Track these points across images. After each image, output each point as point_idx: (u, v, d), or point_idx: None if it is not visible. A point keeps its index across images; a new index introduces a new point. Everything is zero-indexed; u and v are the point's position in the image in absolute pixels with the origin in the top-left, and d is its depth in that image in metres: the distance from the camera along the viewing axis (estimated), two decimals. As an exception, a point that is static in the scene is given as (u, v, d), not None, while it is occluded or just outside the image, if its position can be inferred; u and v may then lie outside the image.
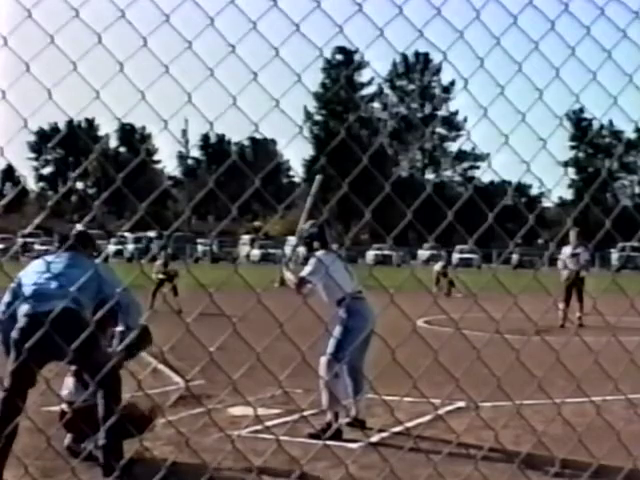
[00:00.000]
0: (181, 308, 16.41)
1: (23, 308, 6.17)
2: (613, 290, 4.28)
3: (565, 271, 17.81)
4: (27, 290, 6.25)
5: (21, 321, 6.13)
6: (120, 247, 58.40)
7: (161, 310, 12.79)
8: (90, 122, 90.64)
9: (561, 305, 17.26)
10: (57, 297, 5.91)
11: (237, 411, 8.47)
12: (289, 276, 8.08)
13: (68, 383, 6.93)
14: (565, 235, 17.75)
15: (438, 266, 28.93)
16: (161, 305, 16.03)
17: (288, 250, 8.04)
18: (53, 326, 3.90)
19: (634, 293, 4.64)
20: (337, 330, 7.80)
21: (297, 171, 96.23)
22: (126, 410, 6.12)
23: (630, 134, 75.73)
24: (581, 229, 17.30)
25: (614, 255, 62.84)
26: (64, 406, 6.80)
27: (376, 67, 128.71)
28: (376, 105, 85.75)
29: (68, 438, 6.82)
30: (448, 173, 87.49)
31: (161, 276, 20.70)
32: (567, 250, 17.86)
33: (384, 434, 7.69)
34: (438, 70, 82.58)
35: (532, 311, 3.85)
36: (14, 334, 6.08)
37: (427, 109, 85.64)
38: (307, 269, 7.98)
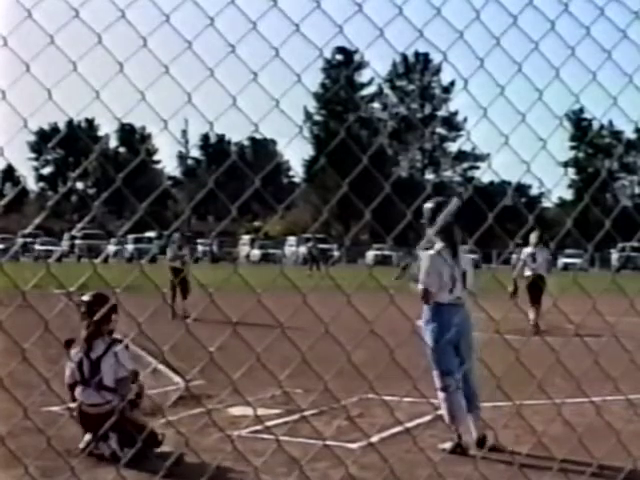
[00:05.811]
0: (188, 313, 15.57)
1: None
2: (613, 290, 4.28)
3: (527, 272, 16.93)
4: None
5: None
6: (120, 247, 58.33)
7: (161, 310, 12.71)
8: (90, 122, 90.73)
9: (531, 312, 16.25)
10: None
11: (237, 411, 8.46)
12: None
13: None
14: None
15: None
16: (161, 305, 15.85)
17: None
18: None
19: (634, 293, 4.64)
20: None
21: (297, 171, 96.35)
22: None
23: (630, 134, 75.79)
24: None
25: (614, 255, 62.83)
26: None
27: (376, 67, 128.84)
28: (376, 105, 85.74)
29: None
30: (448, 173, 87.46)
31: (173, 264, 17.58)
32: (527, 250, 17.18)
33: (384, 434, 7.68)
34: (438, 70, 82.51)
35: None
36: None
37: (427, 109, 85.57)
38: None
